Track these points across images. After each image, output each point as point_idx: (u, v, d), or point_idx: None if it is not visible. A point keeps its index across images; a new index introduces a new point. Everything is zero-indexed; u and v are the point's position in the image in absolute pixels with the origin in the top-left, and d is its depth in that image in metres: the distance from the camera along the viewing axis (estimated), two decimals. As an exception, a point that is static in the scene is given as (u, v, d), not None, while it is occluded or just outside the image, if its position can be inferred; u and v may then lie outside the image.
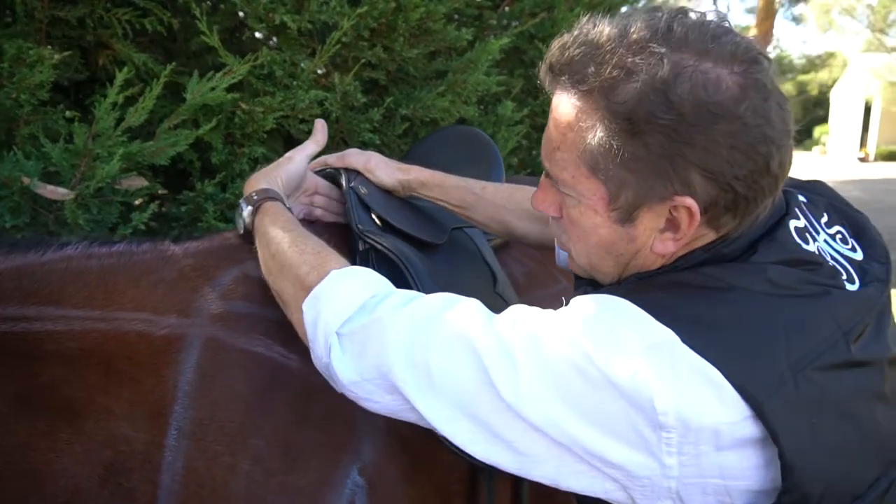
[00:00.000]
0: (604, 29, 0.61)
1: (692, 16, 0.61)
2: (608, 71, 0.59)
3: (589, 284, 0.75)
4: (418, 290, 0.80)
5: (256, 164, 1.55)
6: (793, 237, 0.65)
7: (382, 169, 0.98)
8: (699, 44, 0.58)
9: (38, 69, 1.18)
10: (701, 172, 0.58)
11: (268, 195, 0.85)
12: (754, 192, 0.59)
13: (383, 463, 0.74)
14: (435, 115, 1.76)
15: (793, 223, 0.66)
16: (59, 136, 1.28)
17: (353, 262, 0.87)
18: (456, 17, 1.87)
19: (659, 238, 0.64)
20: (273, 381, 0.70)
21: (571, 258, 0.74)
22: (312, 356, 0.67)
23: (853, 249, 0.70)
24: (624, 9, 2.56)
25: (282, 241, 0.74)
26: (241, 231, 0.82)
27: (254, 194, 0.85)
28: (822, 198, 0.74)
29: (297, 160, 0.95)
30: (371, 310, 0.65)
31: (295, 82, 1.50)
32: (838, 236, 0.71)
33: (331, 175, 0.95)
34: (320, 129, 1.01)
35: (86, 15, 1.34)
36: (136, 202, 1.39)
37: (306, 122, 1.59)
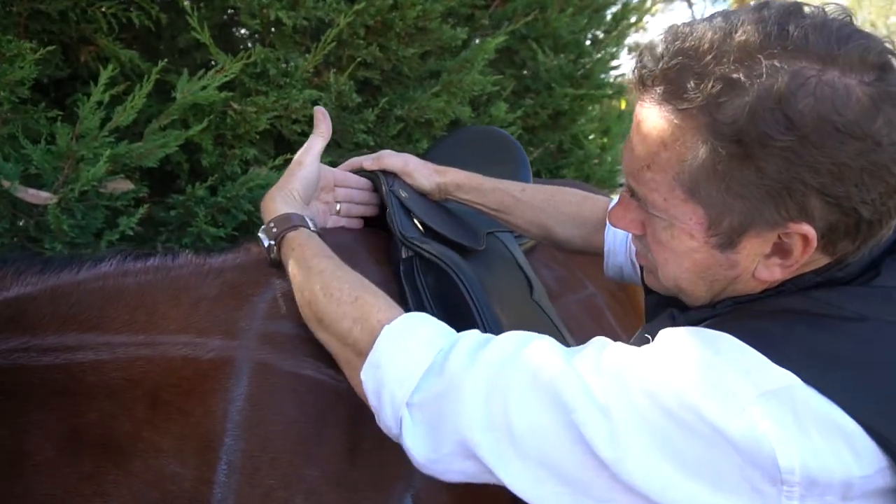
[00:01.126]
0: (704, 33, 0.52)
1: (808, 10, 0.52)
2: (712, 85, 0.51)
3: (671, 304, 0.67)
4: (471, 298, 0.76)
5: (248, 165, 1.50)
6: None
7: (420, 171, 0.92)
8: (822, 48, 0.50)
9: (19, 64, 1.11)
10: (823, 198, 0.51)
11: (288, 224, 0.76)
12: (880, 215, 0.52)
13: (435, 489, 0.70)
14: (430, 115, 1.72)
15: None
16: (41, 137, 1.21)
17: (397, 270, 0.83)
18: (450, 16, 1.84)
19: (764, 264, 0.56)
20: (324, 407, 0.65)
21: (651, 274, 0.67)
22: (378, 421, 0.61)
23: None
24: (612, 9, 2.56)
25: (314, 286, 0.66)
26: (269, 261, 0.76)
27: (272, 225, 0.77)
28: None
29: (308, 162, 0.89)
30: (439, 370, 0.59)
31: (288, 81, 1.45)
32: None
33: (366, 178, 0.90)
34: (323, 119, 0.94)
35: (68, 8, 1.27)
36: (123, 206, 1.32)
37: (299, 123, 1.54)
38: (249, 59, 1.36)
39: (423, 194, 0.91)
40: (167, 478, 0.57)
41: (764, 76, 0.50)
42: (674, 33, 0.55)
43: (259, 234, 0.77)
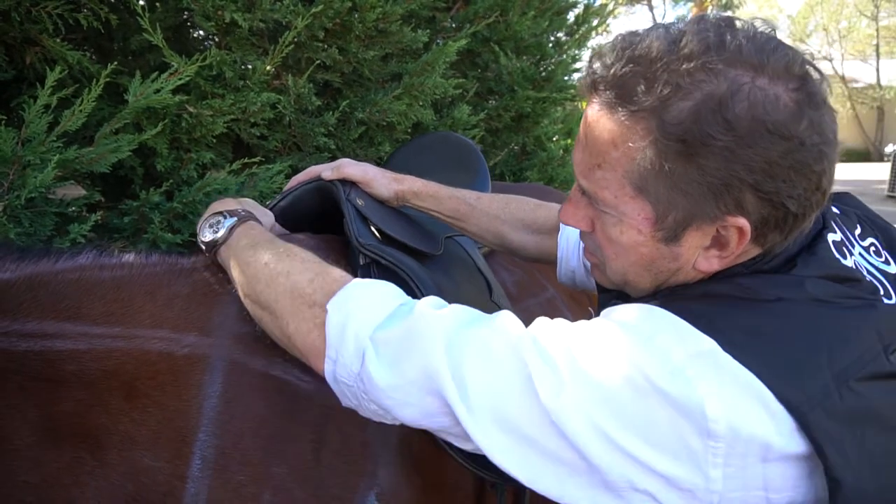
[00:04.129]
0: (652, 42, 0.57)
1: (739, 24, 0.57)
2: (660, 89, 0.55)
3: (617, 297, 0.72)
4: (420, 293, 0.77)
5: (205, 170, 1.47)
6: (832, 252, 0.63)
7: (379, 180, 0.93)
8: (754, 58, 0.55)
9: (-42, 67, 1.07)
10: (756, 193, 0.55)
11: (253, 216, 0.79)
12: (804, 209, 0.57)
13: (399, 486, 0.71)
14: (391, 118, 1.72)
15: (830, 237, 0.64)
16: (-17, 142, 1.16)
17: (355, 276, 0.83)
18: (411, 19, 1.84)
19: (703, 255, 0.61)
20: (292, 406, 0.66)
21: (598, 270, 0.71)
22: (331, 366, 0.61)
23: (886, 262, 0.69)
24: (574, 12, 2.59)
25: (274, 252, 0.67)
26: (208, 241, 0.74)
27: (240, 210, 0.78)
28: (852, 209, 0.73)
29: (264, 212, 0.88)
30: (404, 315, 0.62)
31: (246, 84, 1.43)
32: (872, 248, 0.69)
33: (322, 187, 0.89)
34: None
35: (11, 7, 1.22)
36: (74, 212, 1.28)
37: (258, 126, 1.51)
38: (205, 61, 1.33)
39: (380, 202, 0.91)
40: (142, 470, 0.57)
41: (706, 82, 0.54)
42: (623, 42, 0.59)
43: (218, 215, 0.76)
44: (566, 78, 2.38)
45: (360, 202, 0.86)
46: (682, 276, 0.64)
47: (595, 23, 2.56)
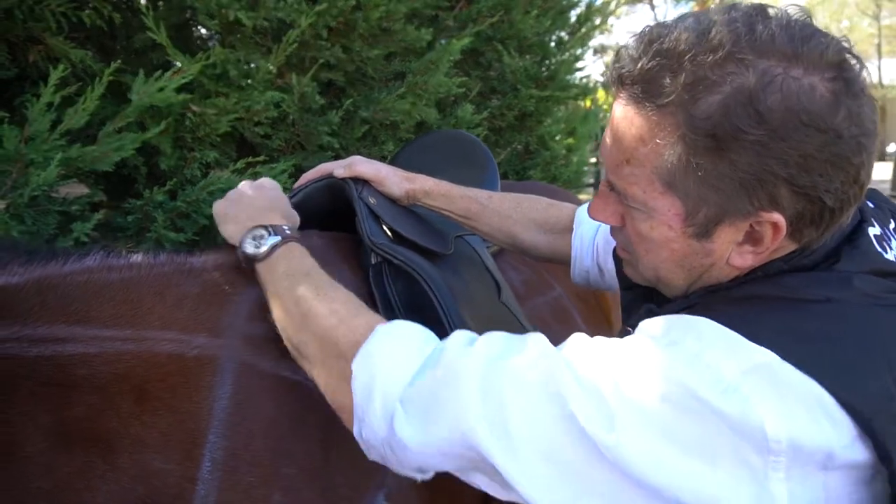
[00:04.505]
0: (680, 35, 0.54)
1: (772, 12, 0.55)
2: (688, 83, 0.53)
3: (647, 299, 0.69)
4: (439, 303, 0.76)
5: (208, 169, 1.46)
6: (874, 246, 0.60)
7: (391, 178, 0.91)
8: (787, 47, 0.52)
9: (-38, 65, 1.06)
10: (791, 188, 0.53)
11: (297, 238, 0.75)
12: (841, 203, 0.55)
13: (406, 488, 0.71)
14: (395, 117, 1.71)
15: (871, 230, 0.61)
16: (-14, 140, 1.16)
17: (366, 276, 0.83)
18: (414, 18, 1.83)
19: (737, 251, 0.59)
20: (301, 408, 0.66)
21: (630, 266, 0.69)
22: (358, 425, 0.59)
23: None
24: (576, 11, 2.59)
25: (308, 287, 0.66)
26: (248, 254, 0.72)
27: (285, 227, 0.75)
28: (885, 204, 0.70)
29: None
30: (435, 363, 0.59)
31: (250, 83, 1.42)
32: None
33: (333, 185, 0.89)
34: None
35: (14, 5, 1.22)
36: (77, 211, 1.28)
37: (262, 125, 1.51)
38: (209, 60, 1.33)
39: (391, 200, 0.90)
40: (153, 473, 0.56)
41: (735, 74, 0.52)
42: (650, 35, 0.57)
43: (261, 228, 0.73)
44: (569, 77, 2.38)
45: (372, 200, 0.86)
46: (716, 273, 0.62)
47: (597, 21, 2.55)
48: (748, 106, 0.51)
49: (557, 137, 2.65)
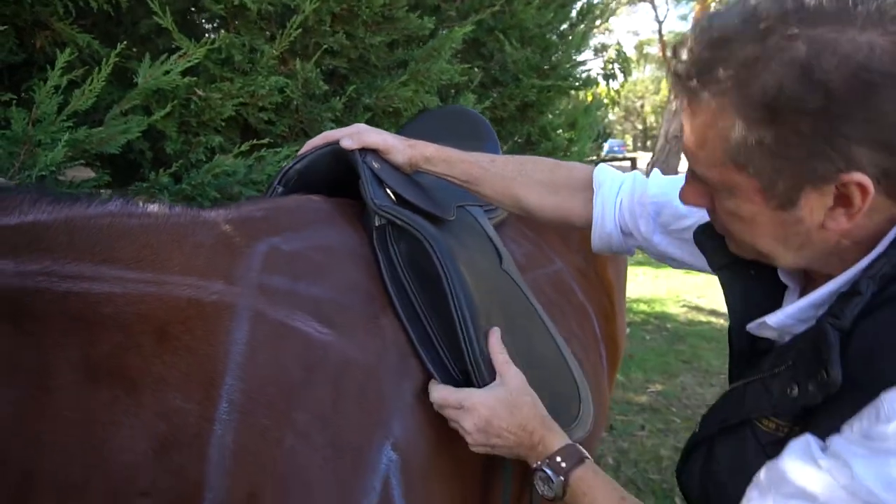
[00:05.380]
0: (728, 21, 0.57)
1: None
2: (740, 64, 0.55)
3: (749, 277, 0.69)
4: (440, 264, 0.77)
5: (213, 154, 1.48)
6: None
7: (396, 147, 0.92)
8: (839, 11, 0.53)
9: (-29, 46, 1.08)
10: (867, 145, 0.53)
11: (579, 454, 0.73)
12: None
13: (413, 439, 0.72)
14: (398, 104, 1.72)
15: None
16: (-5, 122, 1.17)
17: (370, 238, 0.83)
18: (416, 7, 1.84)
19: (830, 216, 0.58)
20: (312, 356, 0.67)
21: (733, 243, 0.69)
22: None
23: None
24: (577, 6, 2.60)
25: None
26: (550, 497, 0.71)
27: (559, 459, 0.72)
28: None
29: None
30: None
31: (254, 68, 1.43)
32: None
33: (338, 151, 0.89)
34: None
35: (22, -9, 1.23)
36: (84, 194, 1.29)
37: (266, 111, 1.52)
38: (213, 44, 1.34)
39: (395, 167, 0.91)
40: (173, 411, 0.58)
41: (785, 49, 0.53)
42: (701, 25, 0.60)
43: (543, 468, 0.72)
44: (569, 66, 2.39)
45: (375, 165, 0.87)
46: (819, 241, 0.61)
47: (597, 13, 2.57)
48: (803, 77, 0.53)
49: (560, 131, 2.67)
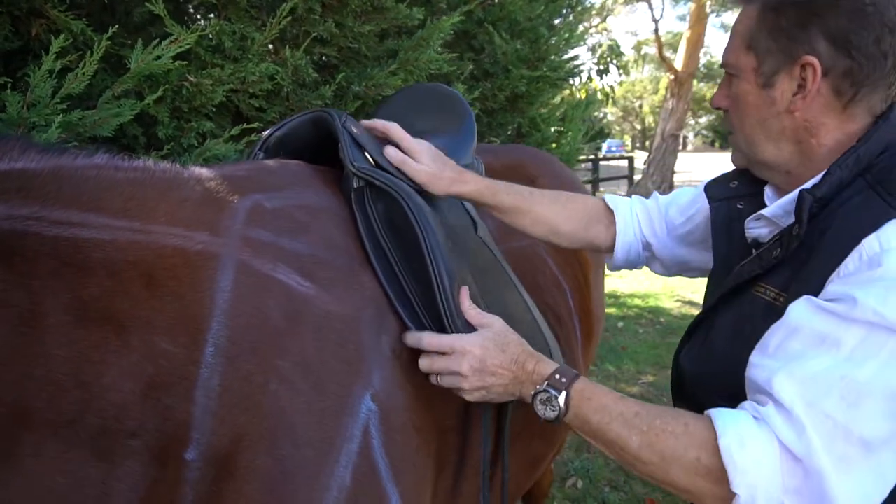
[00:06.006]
0: None
1: None
2: None
3: (749, 255, 0.79)
4: (418, 225, 0.79)
5: (205, 139, 1.51)
6: None
7: (437, 184, 0.91)
8: None
9: (-33, 30, 1.11)
10: (829, 39, 0.71)
11: (574, 371, 0.77)
12: (873, 63, 0.70)
13: (391, 391, 0.75)
14: (387, 92, 1.75)
15: None
16: (-9, 105, 1.20)
17: (349, 203, 0.86)
18: (406, -2, 1.88)
19: (793, 101, 0.75)
20: (294, 309, 0.70)
21: (737, 152, 0.85)
22: None
23: None
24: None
25: (639, 428, 0.69)
26: (550, 419, 0.75)
27: (557, 375, 0.76)
28: None
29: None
30: (792, 458, 0.62)
31: (244, 55, 1.47)
32: None
33: (318, 118, 0.92)
34: None
35: (17, -22, 1.26)
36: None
37: (257, 98, 1.55)
38: (204, 31, 1.38)
39: (370, 132, 0.94)
40: (161, 354, 0.60)
41: None
42: None
43: (546, 389, 0.75)
44: (555, 57, 2.42)
45: (355, 130, 0.89)
46: (791, 132, 0.77)
47: (588, 7, 2.60)
48: None
49: (551, 124, 2.70)
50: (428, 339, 0.78)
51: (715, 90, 0.86)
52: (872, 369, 0.60)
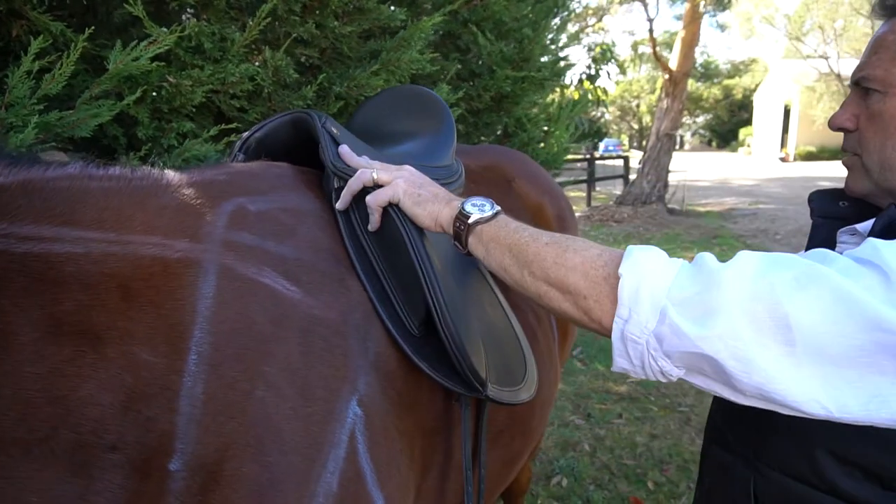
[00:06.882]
0: None
1: None
2: None
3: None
4: (401, 223, 0.80)
5: (185, 139, 1.52)
6: None
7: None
8: None
9: (-57, 31, 1.12)
10: None
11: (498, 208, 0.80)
12: None
13: (376, 396, 0.75)
14: (369, 93, 1.76)
15: None
16: (-32, 105, 1.21)
17: (329, 200, 0.87)
18: (389, -2, 1.89)
19: None
20: (280, 312, 0.70)
21: (854, 171, 0.81)
22: (621, 324, 0.62)
23: None
24: (555, -1, 2.64)
25: (551, 236, 0.72)
26: (472, 217, 0.76)
27: (487, 204, 0.79)
28: None
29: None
30: (697, 268, 0.62)
31: (224, 56, 1.48)
32: None
33: (297, 119, 0.92)
34: None
35: (-4, -20, 1.27)
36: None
37: (238, 98, 1.56)
38: (184, 31, 1.38)
39: (354, 135, 0.95)
40: (140, 365, 0.59)
41: None
42: None
43: (471, 204, 0.78)
44: (543, 58, 2.43)
45: (334, 130, 0.90)
46: None
47: (575, 11, 2.61)
48: None
49: (539, 123, 2.71)
50: (363, 174, 0.84)
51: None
52: (839, 267, 0.58)
